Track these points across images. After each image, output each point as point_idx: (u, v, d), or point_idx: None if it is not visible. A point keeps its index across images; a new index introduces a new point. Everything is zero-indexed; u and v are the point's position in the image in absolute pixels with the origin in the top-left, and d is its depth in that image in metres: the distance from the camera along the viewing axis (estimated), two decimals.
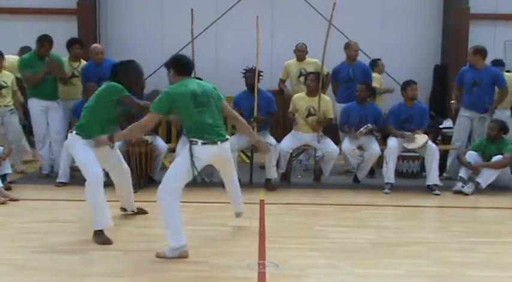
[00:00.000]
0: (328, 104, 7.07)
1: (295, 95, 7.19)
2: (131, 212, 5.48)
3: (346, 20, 9.37)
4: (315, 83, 6.92)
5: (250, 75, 6.84)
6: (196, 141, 4.20)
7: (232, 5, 8.84)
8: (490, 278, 4.02)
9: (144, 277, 3.90)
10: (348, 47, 7.82)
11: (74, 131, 4.72)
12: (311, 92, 6.97)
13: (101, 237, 4.60)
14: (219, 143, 4.31)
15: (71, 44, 7.50)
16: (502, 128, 6.96)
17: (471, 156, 6.94)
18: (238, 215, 5.13)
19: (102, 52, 7.40)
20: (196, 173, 4.16)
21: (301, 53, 8.01)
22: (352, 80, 7.64)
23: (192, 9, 6.95)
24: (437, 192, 6.67)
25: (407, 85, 7.10)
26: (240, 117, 4.85)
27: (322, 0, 8.81)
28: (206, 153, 4.26)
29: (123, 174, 5.14)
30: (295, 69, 8.01)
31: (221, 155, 4.41)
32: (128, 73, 4.69)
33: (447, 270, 4.12)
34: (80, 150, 4.64)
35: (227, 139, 4.44)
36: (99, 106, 4.65)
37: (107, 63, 7.40)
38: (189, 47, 8.54)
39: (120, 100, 4.61)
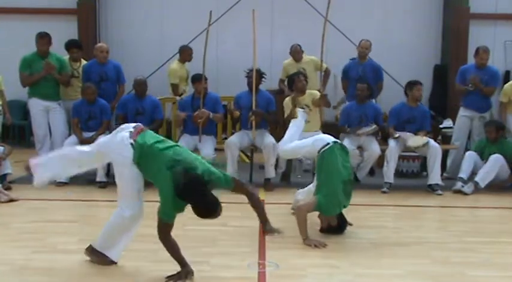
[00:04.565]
0: (314, 92, 6.95)
1: (286, 100, 6.91)
2: None
3: (346, 20, 9.37)
4: (305, 82, 6.86)
5: (252, 74, 6.83)
6: None
7: (233, 4, 8.84)
8: (490, 278, 4.02)
9: (144, 277, 3.90)
10: (358, 44, 7.81)
11: None
12: (302, 92, 6.83)
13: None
14: None
15: (68, 47, 7.49)
16: (499, 127, 6.95)
17: (471, 156, 6.94)
18: None
19: (107, 51, 7.38)
20: None
21: (296, 54, 8.02)
22: (363, 78, 7.54)
23: (210, 11, 6.94)
24: (439, 192, 6.67)
25: (413, 85, 7.00)
26: None
27: (322, 0, 8.81)
28: None
29: None
30: (294, 69, 7.99)
31: None
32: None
33: (447, 270, 4.12)
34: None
35: None
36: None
37: (110, 64, 7.40)
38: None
39: None
